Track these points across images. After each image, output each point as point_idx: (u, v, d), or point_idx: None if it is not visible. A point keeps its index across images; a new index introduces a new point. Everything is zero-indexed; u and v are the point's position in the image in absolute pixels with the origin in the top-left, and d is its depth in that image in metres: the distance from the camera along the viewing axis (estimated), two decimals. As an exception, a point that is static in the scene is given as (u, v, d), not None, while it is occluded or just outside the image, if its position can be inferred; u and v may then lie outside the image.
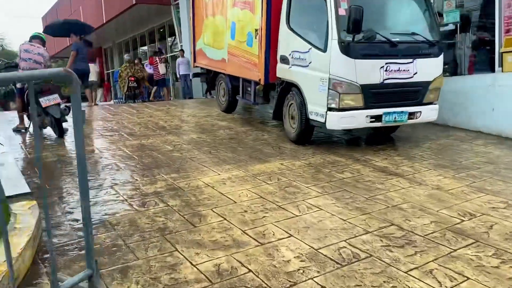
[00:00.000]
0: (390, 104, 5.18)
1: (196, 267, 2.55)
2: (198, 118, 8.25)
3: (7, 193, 3.01)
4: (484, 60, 8.80)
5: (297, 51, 5.50)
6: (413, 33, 5.27)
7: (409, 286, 2.35)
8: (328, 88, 5.00)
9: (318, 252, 2.75)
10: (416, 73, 5.19)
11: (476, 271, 2.52)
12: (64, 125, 6.44)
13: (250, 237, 2.97)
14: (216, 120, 7.83)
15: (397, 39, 5.05)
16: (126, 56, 13.77)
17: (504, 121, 6.23)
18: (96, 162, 5.09)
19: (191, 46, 9.46)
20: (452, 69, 8.23)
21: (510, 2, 6.89)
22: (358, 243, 2.87)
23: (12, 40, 50.49)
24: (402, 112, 5.23)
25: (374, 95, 5.07)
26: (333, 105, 5.03)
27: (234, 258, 2.65)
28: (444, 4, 9.07)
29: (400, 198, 3.78)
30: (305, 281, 2.39)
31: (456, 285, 2.37)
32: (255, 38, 6.29)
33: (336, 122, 5.10)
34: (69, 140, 6.21)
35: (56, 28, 10.98)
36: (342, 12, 4.87)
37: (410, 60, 5.13)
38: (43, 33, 7.23)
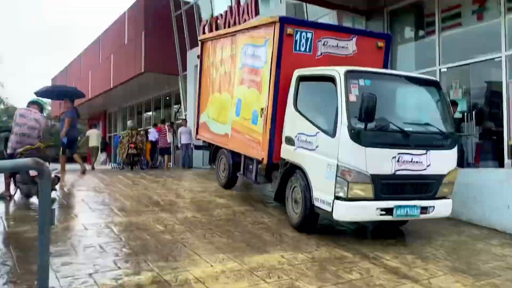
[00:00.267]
0: (402, 196, 4.83)
1: None
2: (195, 193, 7.85)
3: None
4: (492, 150, 8.62)
5: (304, 134, 5.26)
6: (427, 124, 5.06)
7: None
8: (336, 175, 4.68)
9: None
10: (429, 165, 4.90)
11: None
12: (53, 193, 6.06)
13: None
14: (213, 196, 7.43)
15: (410, 129, 4.83)
16: (129, 123, 13.72)
17: (521, 220, 5.84)
18: (79, 241, 4.62)
19: (194, 118, 9.34)
20: (458, 159, 8.01)
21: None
22: None
23: (21, 99, 51.61)
24: (414, 206, 4.86)
25: (385, 186, 4.73)
26: (341, 194, 4.68)
27: None
28: (451, 93, 9.10)
29: (418, 312, 3.29)
30: None
31: None
32: (261, 116, 6.10)
33: (344, 212, 4.71)
34: (55, 212, 5.77)
35: (47, 91, 10.96)
36: (352, 98, 4.69)
37: (423, 151, 4.87)
38: (41, 99, 7.13)
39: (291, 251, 4.59)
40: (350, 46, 6.10)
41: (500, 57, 7.73)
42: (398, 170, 4.74)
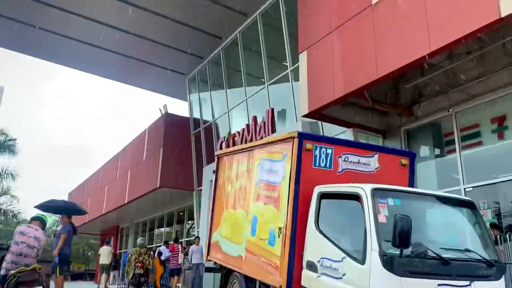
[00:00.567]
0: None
1: None
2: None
3: None
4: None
5: (328, 259, 4.67)
6: (466, 250, 4.47)
7: None
8: (368, 310, 3.97)
9: None
10: (475, 299, 4.18)
11: None
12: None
13: None
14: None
15: (450, 256, 4.23)
16: (139, 240, 13.17)
17: None
18: None
19: (207, 237, 8.79)
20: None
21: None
22: None
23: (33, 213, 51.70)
24: None
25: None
26: (374, 333, 3.92)
27: None
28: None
29: None
30: None
31: None
32: (278, 237, 5.57)
33: None
34: None
35: (46, 205, 10.64)
36: (382, 219, 4.21)
37: (467, 282, 4.19)
38: (44, 215, 6.81)
39: None
40: (372, 163, 5.82)
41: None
42: (440, 304, 4.03)
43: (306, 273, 5.09)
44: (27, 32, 15.02)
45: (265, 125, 13.28)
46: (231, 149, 9.20)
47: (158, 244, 19.32)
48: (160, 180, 17.41)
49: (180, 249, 14.16)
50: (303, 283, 5.11)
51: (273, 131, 12.91)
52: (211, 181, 10.66)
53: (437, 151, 10.14)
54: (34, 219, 6.26)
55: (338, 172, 5.63)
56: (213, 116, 17.16)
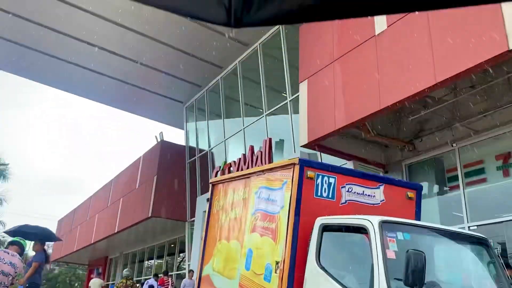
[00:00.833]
0: None
1: None
2: None
3: None
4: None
5: (330, 298, 4.25)
6: (483, 292, 4.07)
7: None
8: None
9: None
10: None
11: None
12: None
13: None
14: None
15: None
16: (125, 271, 12.54)
17: None
18: None
19: (198, 269, 8.28)
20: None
21: None
22: None
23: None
24: None
25: None
26: None
27: None
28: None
29: None
30: None
31: None
32: (275, 272, 5.13)
33: None
34: None
35: (17, 231, 10.03)
36: (391, 254, 3.83)
37: (485, 330, 3.77)
38: (23, 239, 6.33)
39: None
40: (377, 194, 5.47)
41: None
42: None
43: (305, 313, 4.64)
44: (21, 52, 14.84)
45: (262, 155, 12.97)
46: (226, 176, 8.82)
47: (148, 277, 18.53)
48: (152, 209, 16.89)
49: (170, 282, 13.49)
50: (301, 325, 4.64)
51: (270, 161, 12.58)
52: (205, 211, 10.23)
53: (440, 187, 9.85)
54: (12, 243, 5.81)
55: (341, 204, 5.27)
56: (209, 145, 16.87)
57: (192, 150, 17.84)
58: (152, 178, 17.81)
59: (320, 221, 4.90)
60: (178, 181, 17.41)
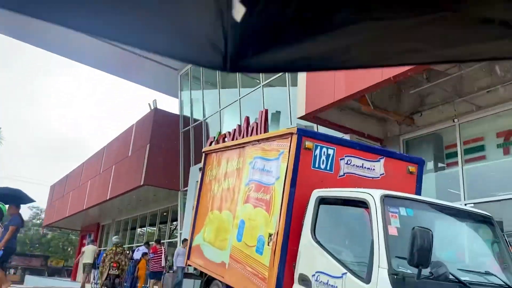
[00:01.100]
0: None
1: None
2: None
3: None
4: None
5: (325, 273, 4.04)
6: (487, 273, 3.87)
7: None
8: None
9: None
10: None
11: None
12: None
13: None
14: None
15: (468, 279, 3.62)
16: (114, 238, 12.39)
17: None
18: None
19: (189, 239, 8.13)
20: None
21: None
22: None
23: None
24: None
25: None
26: None
27: None
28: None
29: None
30: None
31: None
32: (268, 244, 4.93)
33: None
34: None
35: None
36: (392, 231, 3.60)
37: (487, 311, 3.60)
38: (2, 204, 6.06)
39: None
40: (377, 168, 5.23)
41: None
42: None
43: (297, 288, 4.46)
44: (20, 17, 14.21)
45: (258, 126, 12.67)
46: (220, 145, 8.55)
47: (139, 244, 18.49)
48: (144, 178, 16.66)
49: (162, 251, 13.30)
50: (293, 299, 4.47)
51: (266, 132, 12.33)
52: (198, 181, 10.02)
53: (437, 163, 9.67)
54: (-11, 208, 5.53)
55: (339, 176, 5.03)
56: (204, 115, 16.52)
57: (186, 120, 17.49)
58: (145, 146, 17.51)
59: (317, 193, 4.66)
60: (171, 150, 17.12)
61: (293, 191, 4.80)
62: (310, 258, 4.40)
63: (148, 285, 13.58)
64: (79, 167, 26.46)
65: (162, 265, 13.01)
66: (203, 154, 8.15)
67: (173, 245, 18.33)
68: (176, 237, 18.02)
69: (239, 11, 0.85)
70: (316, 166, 4.95)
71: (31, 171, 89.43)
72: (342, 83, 8.47)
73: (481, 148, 8.81)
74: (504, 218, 8.26)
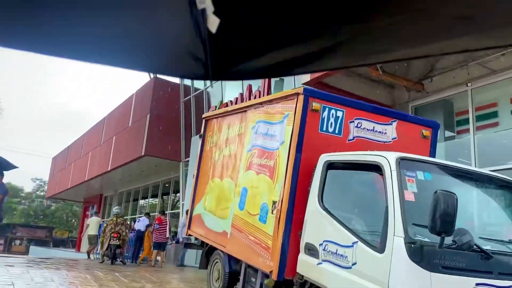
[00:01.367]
0: None
1: None
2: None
3: None
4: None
5: (334, 242, 3.74)
6: (511, 241, 3.56)
7: None
8: (384, 312, 3.08)
9: None
10: (520, 304, 3.31)
11: None
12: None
13: None
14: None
15: (490, 249, 3.31)
16: (115, 209, 12.21)
17: None
18: None
19: (189, 209, 7.88)
20: None
21: None
22: None
23: (16, 176, 50.52)
24: None
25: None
26: None
27: None
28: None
29: None
30: None
31: None
32: (272, 213, 4.64)
33: None
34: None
35: None
36: (409, 196, 3.27)
37: (511, 283, 3.31)
38: None
39: None
40: (389, 131, 4.87)
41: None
42: (477, 309, 3.15)
43: (303, 258, 4.16)
44: None
45: (261, 94, 12.25)
46: (221, 110, 8.17)
47: (140, 215, 18.38)
48: (145, 148, 16.36)
49: (167, 222, 13.10)
50: (299, 269, 4.19)
51: (269, 100, 11.93)
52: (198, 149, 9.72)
53: (448, 131, 9.31)
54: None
55: (348, 140, 4.68)
56: (205, 84, 16.05)
57: (187, 89, 17.02)
58: (145, 116, 17.12)
59: (324, 158, 4.31)
60: (172, 120, 16.74)
61: (299, 156, 4.46)
62: (317, 226, 4.10)
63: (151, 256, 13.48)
64: (80, 139, 26.20)
65: (167, 236, 12.87)
66: (203, 120, 7.79)
67: (176, 216, 18.22)
68: (179, 208, 17.89)
69: (213, 22, 0.87)
70: (324, 129, 4.59)
71: (32, 143, 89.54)
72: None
73: (494, 114, 8.46)
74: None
